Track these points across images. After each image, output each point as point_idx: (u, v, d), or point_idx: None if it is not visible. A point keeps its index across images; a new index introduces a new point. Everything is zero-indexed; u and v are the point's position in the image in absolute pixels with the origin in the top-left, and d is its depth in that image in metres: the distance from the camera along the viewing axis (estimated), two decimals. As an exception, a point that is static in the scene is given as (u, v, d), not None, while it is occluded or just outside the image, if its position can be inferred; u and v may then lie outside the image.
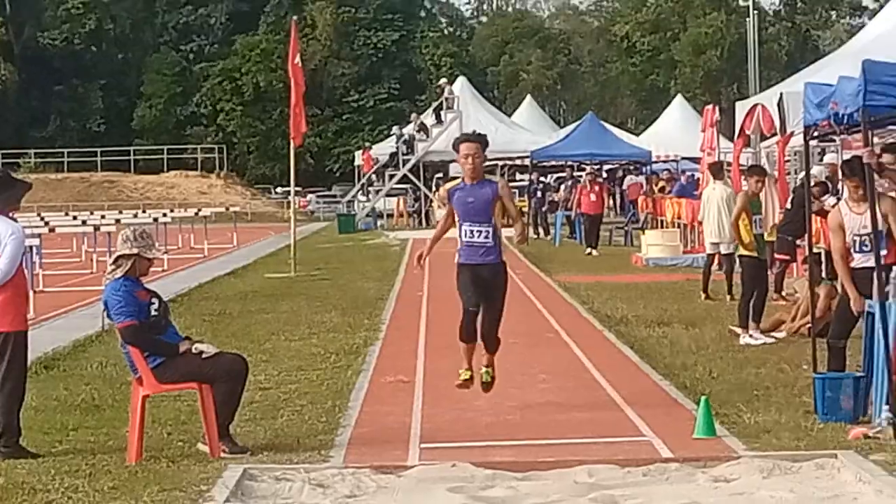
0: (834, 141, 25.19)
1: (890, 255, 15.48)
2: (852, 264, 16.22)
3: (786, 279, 26.75)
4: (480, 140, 14.37)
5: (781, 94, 27.38)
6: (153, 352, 14.19)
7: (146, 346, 14.19)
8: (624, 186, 60.35)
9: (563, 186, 57.67)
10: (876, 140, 17.31)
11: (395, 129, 79.33)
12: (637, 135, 71.34)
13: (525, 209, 64.20)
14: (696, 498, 12.10)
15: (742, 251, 24.00)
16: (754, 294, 22.70)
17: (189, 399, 15.11)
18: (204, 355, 14.36)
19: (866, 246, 15.64)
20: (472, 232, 14.35)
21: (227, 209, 73.04)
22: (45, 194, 77.89)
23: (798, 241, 24.60)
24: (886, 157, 15.30)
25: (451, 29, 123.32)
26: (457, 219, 14.63)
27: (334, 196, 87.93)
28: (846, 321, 16.34)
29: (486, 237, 14.27)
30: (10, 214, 14.84)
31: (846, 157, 18.42)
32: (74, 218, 51.43)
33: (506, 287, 15.49)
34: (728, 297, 27.85)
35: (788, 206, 26.20)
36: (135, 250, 14.41)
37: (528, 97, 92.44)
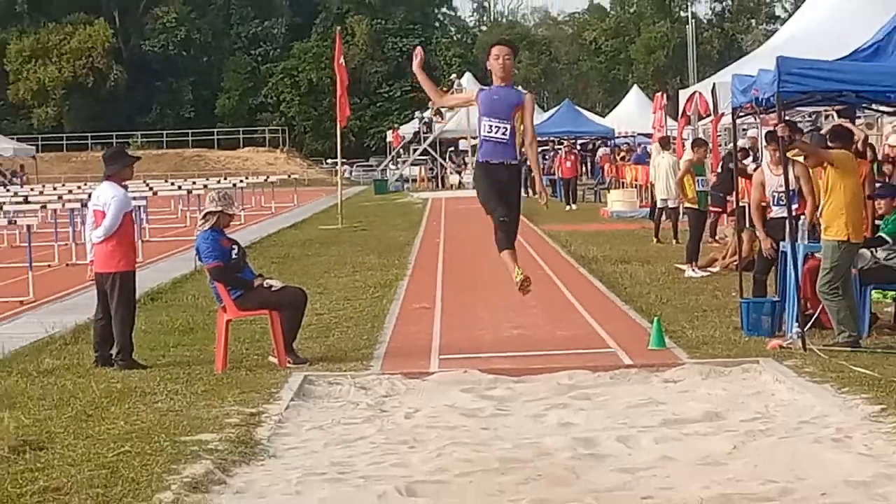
0: (755, 119, 25.05)
1: (800, 207, 15.47)
2: (771, 215, 16.30)
3: (718, 227, 26.74)
4: (511, 45, 12.60)
5: (714, 83, 27.24)
6: (234, 286, 14.23)
7: (228, 281, 14.23)
8: (597, 157, 60.33)
9: (546, 157, 57.76)
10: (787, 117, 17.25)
11: (417, 113, 79.19)
12: (603, 116, 71.00)
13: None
14: (652, 395, 12.12)
15: (687, 204, 24.18)
16: (699, 236, 22.97)
17: (261, 323, 15.12)
18: (273, 288, 14.43)
19: (782, 200, 15.67)
20: (490, 126, 12.23)
21: (289, 176, 72.69)
22: (149, 167, 77.69)
23: (727, 197, 24.55)
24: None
25: (459, 36, 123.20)
26: (479, 114, 12.41)
27: (371, 166, 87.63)
28: (766, 259, 16.35)
29: (504, 133, 12.19)
30: (123, 183, 14.91)
31: (764, 131, 18.40)
32: (172, 184, 51.34)
33: (520, 187, 13.37)
34: (674, 241, 27.89)
35: (719, 170, 26.16)
36: (219, 208, 14.44)
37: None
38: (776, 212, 16.12)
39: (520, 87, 11.66)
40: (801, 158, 15.84)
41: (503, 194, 12.58)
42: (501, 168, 12.45)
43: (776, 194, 16.10)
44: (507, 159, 12.36)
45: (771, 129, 18.46)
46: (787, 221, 14.87)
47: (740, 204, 18.57)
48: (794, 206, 15.13)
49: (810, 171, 15.97)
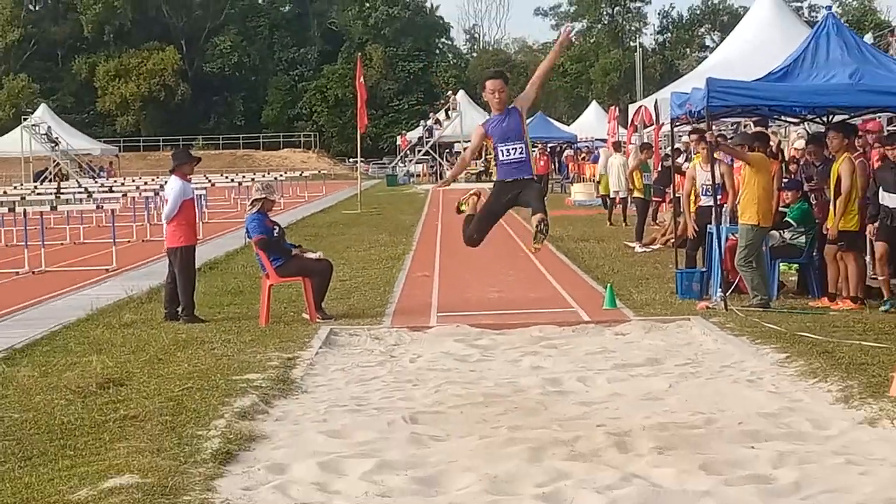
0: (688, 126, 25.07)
1: (723, 198, 15.48)
2: (700, 203, 16.32)
3: (659, 213, 26.73)
4: (503, 76, 11.17)
5: (657, 99, 27.24)
6: (275, 256, 14.24)
7: (270, 252, 14.25)
8: (563, 157, 60.17)
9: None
10: (714, 128, 17.27)
11: (422, 122, 79.40)
12: (568, 125, 70.87)
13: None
14: (605, 345, 12.12)
15: (636, 194, 24.28)
16: (644, 220, 23.09)
17: (296, 287, 15.13)
18: (312, 256, 14.58)
19: (709, 192, 15.73)
20: (508, 150, 10.66)
21: (319, 172, 72.72)
22: (208, 164, 77.10)
23: (666, 189, 24.56)
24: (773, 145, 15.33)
25: (454, 60, 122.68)
26: (493, 143, 10.79)
27: (384, 163, 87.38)
28: (697, 239, 16.38)
29: (521, 152, 10.68)
30: (188, 176, 14.93)
31: (694, 137, 18.47)
32: (226, 178, 51.40)
33: (539, 187, 11.33)
34: (624, 224, 27.89)
35: (660, 167, 26.13)
36: (263, 195, 14.47)
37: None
38: (704, 201, 16.15)
39: (509, 105, 10.64)
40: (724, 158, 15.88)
41: (512, 202, 10.82)
42: (517, 183, 10.66)
43: (704, 186, 16.12)
44: (524, 175, 10.63)
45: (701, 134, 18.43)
46: (713, 209, 14.92)
47: (676, 194, 18.60)
48: (719, 197, 15.16)
49: (732, 168, 16.01)
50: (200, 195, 30.58)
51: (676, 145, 19.31)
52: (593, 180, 41.77)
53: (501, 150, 10.63)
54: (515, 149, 10.63)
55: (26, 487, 6.92)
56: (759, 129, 19.41)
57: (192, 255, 14.63)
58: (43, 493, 6.77)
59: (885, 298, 13.50)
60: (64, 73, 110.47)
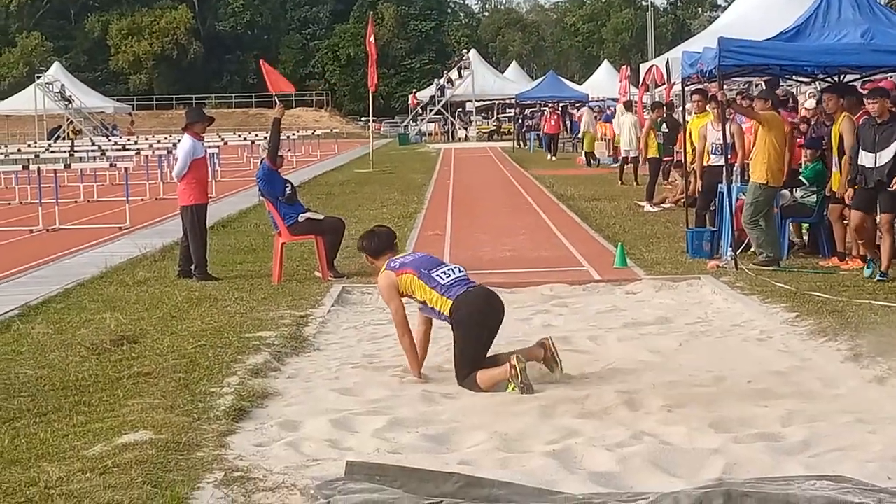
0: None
1: (732, 157, 15.43)
2: (710, 162, 16.27)
3: (671, 172, 26.65)
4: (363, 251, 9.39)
5: (668, 59, 27.16)
6: (287, 214, 14.24)
7: (283, 210, 14.25)
8: (576, 116, 59.90)
9: (534, 116, 57.56)
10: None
11: (435, 81, 79.26)
12: (580, 84, 70.53)
13: (511, 130, 64.20)
14: (615, 304, 12.13)
15: (650, 154, 24.24)
16: (655, 179, 23.05)
17: (309, 245, 15.14)
18: (314, 218, 14.53)
19: (718, 151, 15.71)
20: (446, 273, 8.55)
21: (331, 131, 72.68)
22: (221, 122, 76.69)
23: (675, 148, 24.50)
24: (758, 104, 15.14)
25: (466, 20, 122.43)
26: (421, 276, 8.50)
27: (396, 122, 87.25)
28: (706, 197, 16.35)
29: (462, 270, 8.79)
30: (201, 135, 14.86)
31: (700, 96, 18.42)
32: (239, 136, 51.35)
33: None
34: (635, 183, 27.82)
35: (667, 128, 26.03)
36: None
37: (514, 62, 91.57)
38: (714, 160, 16.12)
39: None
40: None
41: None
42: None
43: (714, 145, 16.07)
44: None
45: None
46: (724, 168, 14.89)
47: (677, 153, 18.58)
48: (729, 157, 15.11)
49: (742, 129, 15.96)
50: (213, 153, 30.55)
51: (688, 105, 19.15)
52: (604, 139, 41.64)
53: (437, 275, 8.55)
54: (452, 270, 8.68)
55: (41, 443, 6.95)
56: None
57: (203, 214, 14.60)
58: (58, 449, 6.80)
59: (865, 265, 13.03)
60: (77, 31, 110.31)
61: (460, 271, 8.73)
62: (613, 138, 36.04)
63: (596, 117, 42.42)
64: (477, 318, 8.41)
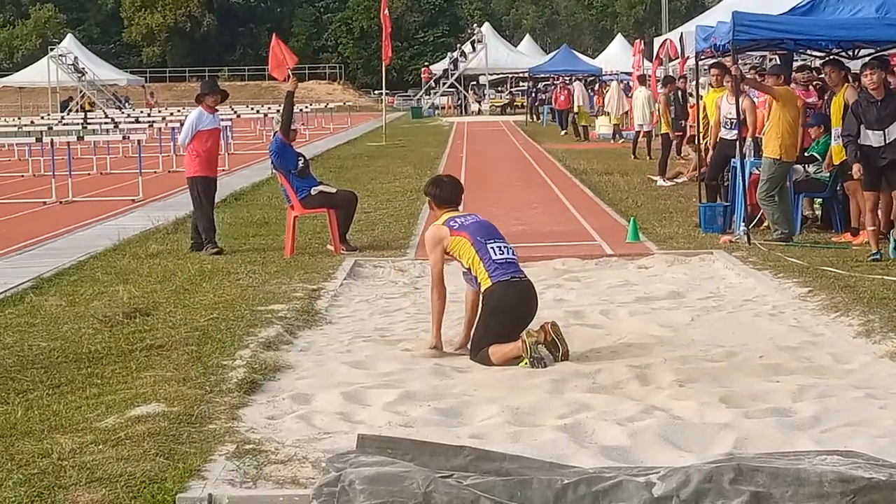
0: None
1: (744, 131, 15.39)
2: (722, 135, 16.24)
3: (683, 147, 26.59)
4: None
5: (682, 33, 27.02)
6: (299, 187, 14.24)
7: (295, 183, 14.25)
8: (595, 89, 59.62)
9: (547, 90, 57.35)
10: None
11: (448, 54, 79.16)
12: (593, 58, 70.33)
13: (524, 104, 64.10)
14: (627, 278, 12.12)
15: (664, 129, 24.19)
16: (668, 154, 23.03)
17: (321, 218, 15.13)
18: (327, 192, 14.51)
19: (728, 125, 15.72)
20: (500, 249, 8.44)
21: (344, 104, 72.62)
22: (234, 95, 76.17)
23: (687, 124, 24.44)
24: (770, 79, 15.10)
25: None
26: (475, 244, 8.41)
27: (409, 95, 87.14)
28: (716, 169, 16.35)
29: (514, 253, 8.61)
30: (213, 108, 14.80)
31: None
32: (252, 109, 51.36)
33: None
34: (648, 157, 27.76)
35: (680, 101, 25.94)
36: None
37: (528, 35, 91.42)
38: (724, 133, 16.10)
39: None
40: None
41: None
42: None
43: (727, 119, 16.03)
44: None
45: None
46: (734, 142, 14.87)
47: (689, 127, 18.51)
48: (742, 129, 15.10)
49: (754, 104, 15.92)
50: (226, 126, 30.54)
51: (702, 79, 19.09)
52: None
53: (491, 248, 8.45)
54: (508, 248, 8.56)
55: (55, 415, 6.98)
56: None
57: (208, 187, 14.49)
58: (71, 421, 6.83)
59: (874, 251, 12.37)
60: (90, 3, 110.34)
61: (512, 253, 8.63)
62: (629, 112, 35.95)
63: (607, 91, 42.20)
64: (507, 312, 8.42)
